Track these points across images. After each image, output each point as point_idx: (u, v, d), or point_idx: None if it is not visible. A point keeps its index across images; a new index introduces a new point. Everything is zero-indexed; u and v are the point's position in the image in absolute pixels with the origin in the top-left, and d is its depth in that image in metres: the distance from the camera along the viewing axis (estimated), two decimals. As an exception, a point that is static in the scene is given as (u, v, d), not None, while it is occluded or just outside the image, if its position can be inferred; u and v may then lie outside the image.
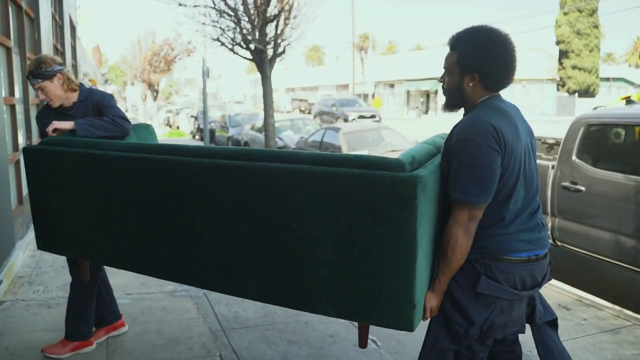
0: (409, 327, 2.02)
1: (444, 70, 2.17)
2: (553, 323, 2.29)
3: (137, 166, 2.58)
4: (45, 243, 2.96)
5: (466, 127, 1.99)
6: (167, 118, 33.92)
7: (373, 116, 25.61)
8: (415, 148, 2.17)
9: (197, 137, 24.23)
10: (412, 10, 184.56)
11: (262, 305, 4.24)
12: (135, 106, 51.97)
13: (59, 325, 3.70)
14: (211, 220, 2.36)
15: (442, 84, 2.20)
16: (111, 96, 3.23)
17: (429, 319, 2.14)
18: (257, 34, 9.91)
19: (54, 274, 4.88)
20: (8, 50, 5.73)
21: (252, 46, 10.02)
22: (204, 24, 10.77)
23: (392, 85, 47.40)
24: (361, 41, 58.46)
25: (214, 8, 9.88)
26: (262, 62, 10.14)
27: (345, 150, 9.84)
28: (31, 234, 5.66)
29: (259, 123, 16.56)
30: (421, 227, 1.91)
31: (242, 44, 10.21)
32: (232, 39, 10.42)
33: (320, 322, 3.94)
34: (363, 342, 2.30)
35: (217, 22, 10.43)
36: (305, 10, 10.22)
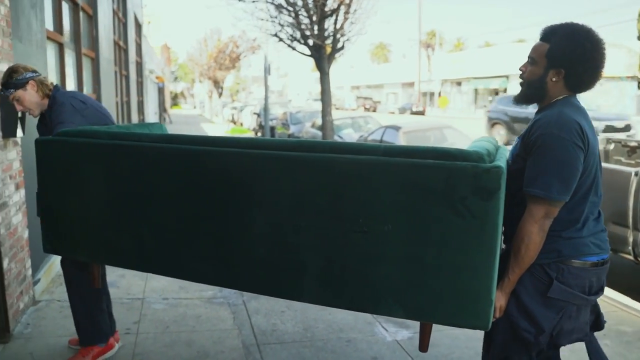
0: (485, 325, 1.94)
1: (527, 59, 2.10)
2: (597, 324, 2.23)
3: (174, 158, 2.31)
4: (55, 245, 2.68)
5: (551, 121, 1.94)
6: (232, 115, 34.48)
7: (627, 128, 14.80)
8: (478, 144, 2.07)
9: (258, 133, 24.33)
10: (482, 6, 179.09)
11: (302, 317, 3.94)
12: (202, 103, 53.28)
13: (87, 331, 3.54)
14: (262, 215, 2.16)
15: (521, 72, 2.13)
16: (66, 105, 2.82)
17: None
18: (315, 29, 9.62)
19: (95, 273, 4.77)
20: (60, 46, 5.70)
21: (310, 42, 9.74)
22: (262, 19, 10.60)
23: (459, 83, 46.04)
24: (428, 38, 57.19)
25: (272, 3, 9.67)
26: (321, 58, 9.83)
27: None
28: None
29: (320, 120, 16.35)
30: (500, 219, 1.87)
31: (300, 39, 9.95)
32: (291, 35, 10.18)
33: (364, 341, 3.59)
34: (424, 346, 2.17)
35: (276, 17, 10.22)
36: (365, 4, 9.84)
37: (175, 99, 77.58)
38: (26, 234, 3.88)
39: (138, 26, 16.07)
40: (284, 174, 2.10)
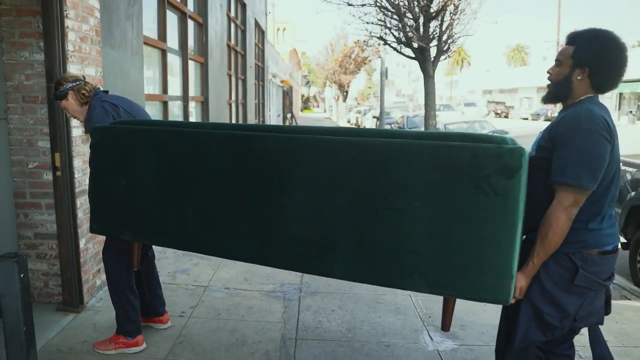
0: (506, 299, 2.03)
1: (554, 62, 2.25)
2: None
3: (220, 142, 2.53)
4: (101, 226, 2.96)
5: (580, 116, 2.07)
6: (356, 118, 35.11)
7: None
8: (505, 136, 2.19)
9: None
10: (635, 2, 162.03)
11: (349, 318, 3.96)
12: (331, 107, 54.51)
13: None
14: (300, 195, 2.32)
15: (549, 75, 2.27)
16: (97, 109, 3.06)
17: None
18: (420, 31, 9.49)
19: (173, 260, 5.19)
20: (163, 52, 6.26)
21: (414, 44, 9.62)
22: (369, 23, 10.65)
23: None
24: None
25: (377, 6, 9.70)
26: (425, 60, 9.66)
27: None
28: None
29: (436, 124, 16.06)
30: (522, 198, 1.96)
31: (405, 42, 9.87)
32: (398, 38, 10.13)
33: (404, 347, 3.52)
34: (447, 324, 2.28)
35: (384, 20, 10.24)
36: (471, 5, 9.48)
37: (306, 102, 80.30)
38: (107, 220, 4.34)
39: (261, 32, 16.95)
40: (322, 156, 2.27)
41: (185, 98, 7.28)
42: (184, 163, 2.61)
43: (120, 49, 4.66)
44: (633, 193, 5.22)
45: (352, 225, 2.21)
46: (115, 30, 4.53)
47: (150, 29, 5.88)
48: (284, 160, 2.35)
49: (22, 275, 2.53)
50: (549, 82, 2.27)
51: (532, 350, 2.26)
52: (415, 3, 9.33)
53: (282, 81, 26.16)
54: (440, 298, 2.29)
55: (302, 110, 69.15)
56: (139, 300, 3.37)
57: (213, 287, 4.52)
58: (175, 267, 4.97)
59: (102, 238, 4.20)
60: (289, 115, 28.85)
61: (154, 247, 3.68)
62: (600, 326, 2.31)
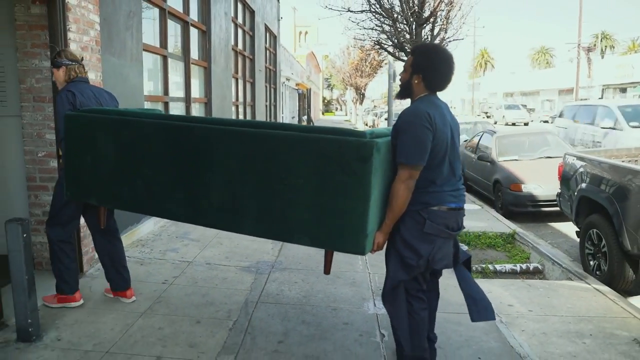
0: (361, 252, 2.73)
1: (402, 70, 2.97)
2: (467, 263, 3.08)
3: (161, 130, 3.23)
4: (74, 193, 3.61)
5: (409, 112, 2.75)
6: (372, 120, 35.70)
7: None
8: (375, 129, 2.89)
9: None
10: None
11: (308, 288, 4.58)
12: (351, 109, 55.00)
13: (138, 278, 4.58)
14: (218, 173, 3.02)
15: (400, 78, 2.99)
16: (61, 95, 3.66)
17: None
18: (414, 35, 10.04)
19: (166, 241, 5.90)
20: (164, 58, 6.99)
21: (407, 48, 10.19)
22: (366, 28, 11.26)
23: (623, 90, 41.86)
24: (594, 41, 52.74)
25: (371, 11, 10.30)
26: (417, 64, 10.19)
27: (495, 154, 9.42)
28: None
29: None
30: (374, 178, 2.63)
31: (398, 46, 10.45)
32: (393, 42, 10.71)
33: (348, 310, 4.12)
34: (327, 269, 3.03)
35: (381, 26, 10.83)
36: (465, 10, 10.02)
37: (328, 105, 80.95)
38: (106, 203, 5.05)
39: (273, 37, 17.67)
40: (234, 143, 2.96)
41: (187, 99, 8.00)
42: (134, 145, 3.31)
43: (120, 56, 5.38)
44: (583, 185, 5.72)
45: (255, 196, 2.91)
46: (115, 40, 5.26)
47: (151, 37, 6.60)
48: (206, 145, 3.03)
49: (25, 235, 3.24)
50: (400, 84, 2.98)
51: (401, 289, 2.93)
52: (407, 9, 9.90)
53: (297, 84, 26.85)
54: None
55: (323, 113, 69.78)
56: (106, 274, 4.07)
57: (196, 262, 5.20)
58: (167, 247, 5.66)
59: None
60: (304, 117, 29.50)
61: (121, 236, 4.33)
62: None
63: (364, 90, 36.73)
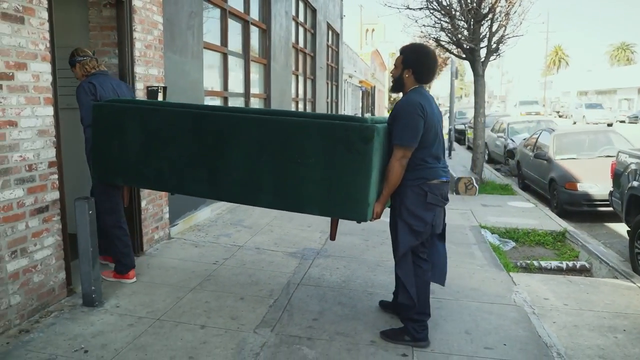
0: (364, 219, 3.20)
1: (393, 66, 3.46)
2: (443, 231, 3.59)
3: (187, 117, 3.60)
4: (100, 175, 3.96)
5: (403, 102, 3.26)
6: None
7: None
8: (375, 117, 3.45)
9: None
10: None
11: (349, 274, 4.82)
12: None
13: (192, 258, 4.98)
14: (239, 154, 3.42)
15: (391, 74, 3.49)
16: (81, 90, 3.99)
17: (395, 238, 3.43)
18: (472, 32, 10.00)
19: (221, 227, 6.30)
20: (224, 55, 7.41)
21: (465, 45, 10.15)
22: (425, 25, 11.30)
23: None
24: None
25: (428, 8, 10.33)
26: (475, 60, 10.15)
27: (552, 152, 9.26)
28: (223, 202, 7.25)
29: (499, 126, 16.29)
30: (375, 156, 3.09)
31: (455, 43, 10.43)
32: (451, 39, 10.70)
33: (382, 295, 4.31)
34: (333, 235, 3.55)
35: (439, 22, 10.84)
36: (524, 7, 9.85)
37: (394, 103, 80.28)
38: (166, 189, 5.49)
39: (335, 35, 17.94)
40: (253, 128, 3.37)
41: (246, 95, 8.41)
42: (160, 131, 3.67)
43: (181, 53, 5.81)
44: (634, 182, 5.62)
45: (271, 173, 3.34)
46: (177, 38, 5.69)
47: (212, 36, 7.03)
48: (227, 130, 3.43)
49: (90, 212, 3.67)
50: (392, 78, 3.45)
51: (409, 255, 3.42)
52: (465, 6, 9.87)
53: (360, 81, 26.99)
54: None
55: (389, 112, 69.28)
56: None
57: (246, 246, 5.55)
58: (221, 232, 6.06)
59: (162, 201, 5.35)
60: (367, 115, 29.62)
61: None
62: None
63: (429, 88, 36.20)
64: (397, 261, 3.46)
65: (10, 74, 3.29)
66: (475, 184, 9.51)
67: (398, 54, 3.45)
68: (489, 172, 12.93)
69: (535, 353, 3.42)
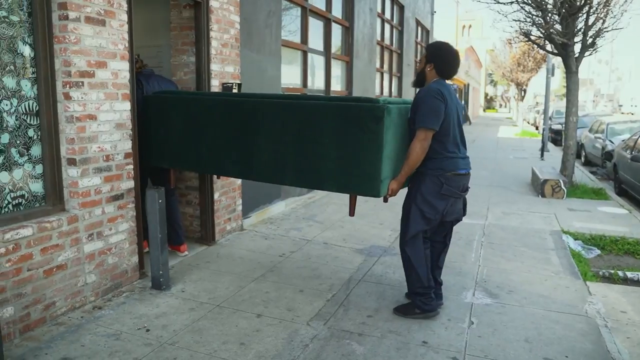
0: (377, 194, 3.39)
1: (419, 62, 3.79)
2: (451, 223, 3.82)
3: (220, 104, 3.96)
4: (154, 160, 4.39)
5: (424, 90, 3.50)
6: (534, 118, 33.60)
7: None
8: (391, 98, 3.69)
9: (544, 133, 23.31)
10: None
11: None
12: (513, 106, 52.25)
13: (260, 250, 5.15)
14: (264, 136, 3.74)
15: (416, 69, 3.73)
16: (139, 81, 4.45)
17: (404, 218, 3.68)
18: (565, 26, 9.41)
19: (293, 221, 6.43)
20: (304, 53, 7.55)
21: (558, 40, 9.57)
22: (515, 20, 10.78)
23: None
24: None
25: (518, 2, 9.84)
26: (567, 56, 9.55)
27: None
28: (298, 197, 7.40)
29: (598, 126, 15.23)
30: (386, 135, 3.28)
31: (546, 38, 9.86)
32: (542, 33, 10.14)
33: (445, 297, 4.22)
34: (352, 211, 3.70)
35: (531, 16, 10.32)
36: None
37: (490, 102, 77.51)
38: (239, 181, 5.70)
39: (425, 31, 17.63)
40: (276, 111, 3.68)
41: (327, 92, 8.51)
42: (198, 118, 4.04)
43: (259, 51, 6.00)
44: None
45: (293, 153, 3.61)
46: (254, 37, 5.88)
47: (292, 34, 7.19)
48: (256, 115, 3.75)
49: (160, 201, 3.91)
50: (417, 72, 3.71)
51: (419, 237, 3.67)
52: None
53: (452, 79, 26.32)
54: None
55: (484, 110, 67.01)
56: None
57: (314, 241, 5.64)
58: (292, 226, 6.20)
59: (235, 194, 5.58)
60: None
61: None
62: None
63: (526, 85, 34.57)
64: (406, 241, 3.67)
65: (92, 71, 3.58)
66: (563, 187, 8.97)
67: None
68: (583, 175, 12.14)
69: (600, 368, 3.21)
